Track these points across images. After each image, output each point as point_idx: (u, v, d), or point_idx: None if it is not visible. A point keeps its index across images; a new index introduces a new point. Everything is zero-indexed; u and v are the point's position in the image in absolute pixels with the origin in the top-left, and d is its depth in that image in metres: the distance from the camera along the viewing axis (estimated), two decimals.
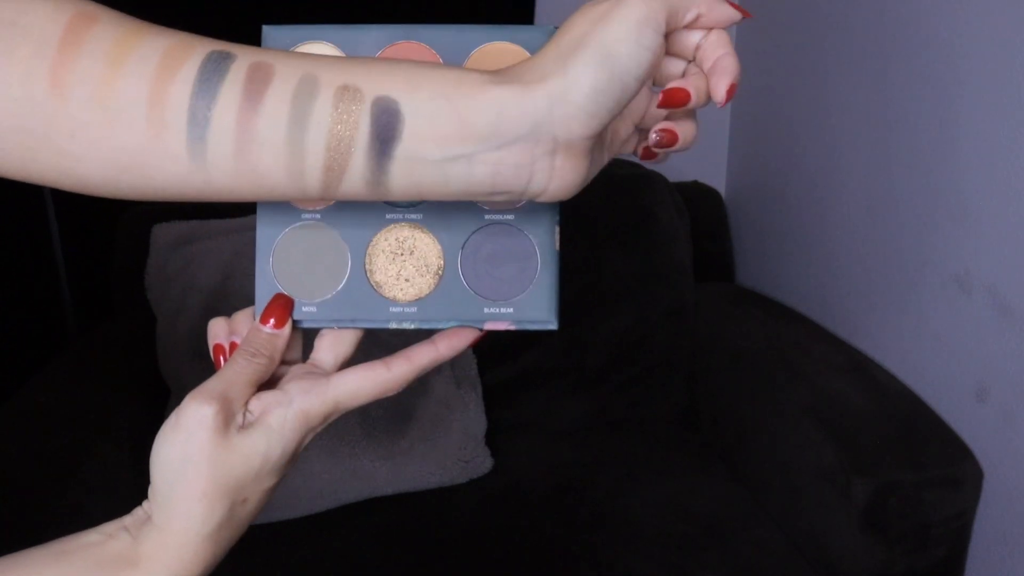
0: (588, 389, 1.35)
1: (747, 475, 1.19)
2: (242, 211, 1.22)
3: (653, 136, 0.38)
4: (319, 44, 0.40)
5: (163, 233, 1.23)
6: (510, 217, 0.41)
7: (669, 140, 0.38)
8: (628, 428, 1.34)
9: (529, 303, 0.41)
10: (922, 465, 0.95)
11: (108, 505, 1.01)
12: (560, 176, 0.34)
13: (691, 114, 0.39)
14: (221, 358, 0.42)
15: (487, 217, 0.41)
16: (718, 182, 1.58)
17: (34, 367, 1.17)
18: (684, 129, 0.38)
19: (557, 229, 0.41)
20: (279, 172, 0.33)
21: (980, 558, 0.99)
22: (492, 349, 1.29)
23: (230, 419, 0.37)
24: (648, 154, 0.40)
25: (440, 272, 0.41)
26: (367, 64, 0.34)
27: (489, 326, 0.41)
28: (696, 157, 1.56)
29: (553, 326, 0.42)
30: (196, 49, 0.33)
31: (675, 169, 1.50)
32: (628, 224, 1.34)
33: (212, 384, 0.38)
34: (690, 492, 1.17)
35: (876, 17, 1.12)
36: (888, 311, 1.14)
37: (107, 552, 0.36)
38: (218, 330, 0.42)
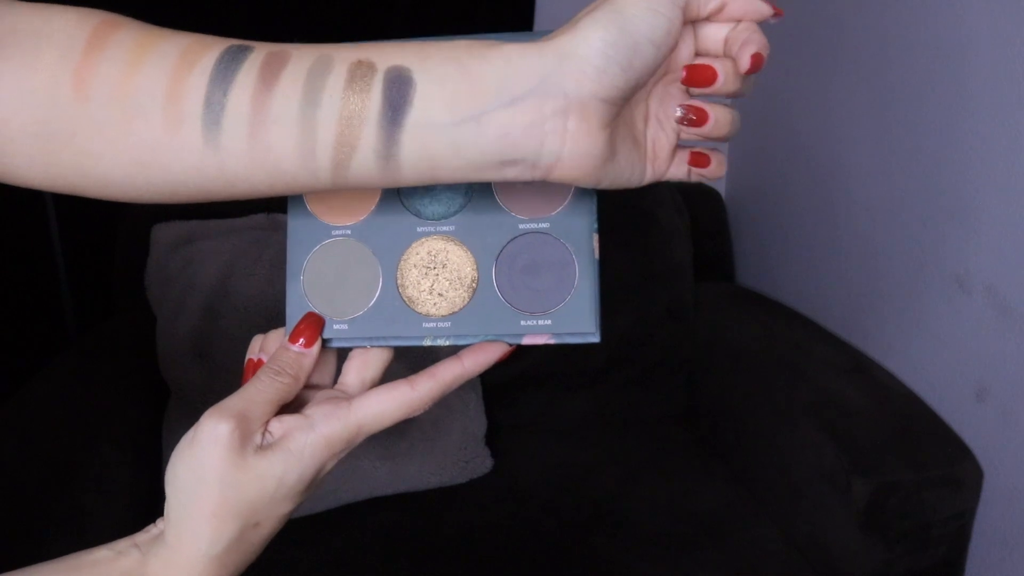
0: (588, 389, 1.35)
1: (747, 475, 1.19)
2: (242, 211, 1.22)
3: (677, 111, 0.36)
4: None
5: (163, 233, 1.23)
6: (545, 225, 0.40)
7: (698, 119, 0.36)
8: (628, 428, 1.34)
9: (568, 314, 0.39)
10: (922, 465, 0.95)
11: (108, 505, 1.01)
12: (574, 142, 0.32)
13: (729, 106, 0.37)
14: (251, 373, 0.41)
15: (522, 227, 0.40)
16: (718, 182, 1.58)
17: (34, 367, 1.17)
18: (718, 113, 0.36)
19: (596, 236, 0.40)
20: (290, 152, 0.33)
21: (980, 558, 0.99)
22: None
23: (247, 438, 0.36)
24: (699, 160, 0.38)
25: (474, 285, 0.40)
26: (381, 44, 0.34)
27: (528, 340, 0.39)
28: None
29: (595, 338, 0.39)
30: (216, 45, 0.34)
31: None
32: (628, 224, 1.34)
33: (231, 401, 0.37)
34: (690, 492, 1.17)
35: (877, 17, 1.12)
36: (888, 311, 1.14)
37: (116, 569, 0.36)
38: (254, 346, 0.42)
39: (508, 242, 0.40)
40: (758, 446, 1.16)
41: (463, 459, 1.19)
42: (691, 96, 0.37)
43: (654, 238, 1.35)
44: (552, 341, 0.39)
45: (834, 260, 1.26)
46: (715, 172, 0.38)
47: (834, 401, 1.06)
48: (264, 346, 0.41)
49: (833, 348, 1.18)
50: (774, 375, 1.16)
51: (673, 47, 0.34)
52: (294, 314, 0.41)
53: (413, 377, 0.39)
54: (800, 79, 1.32)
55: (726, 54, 0.35)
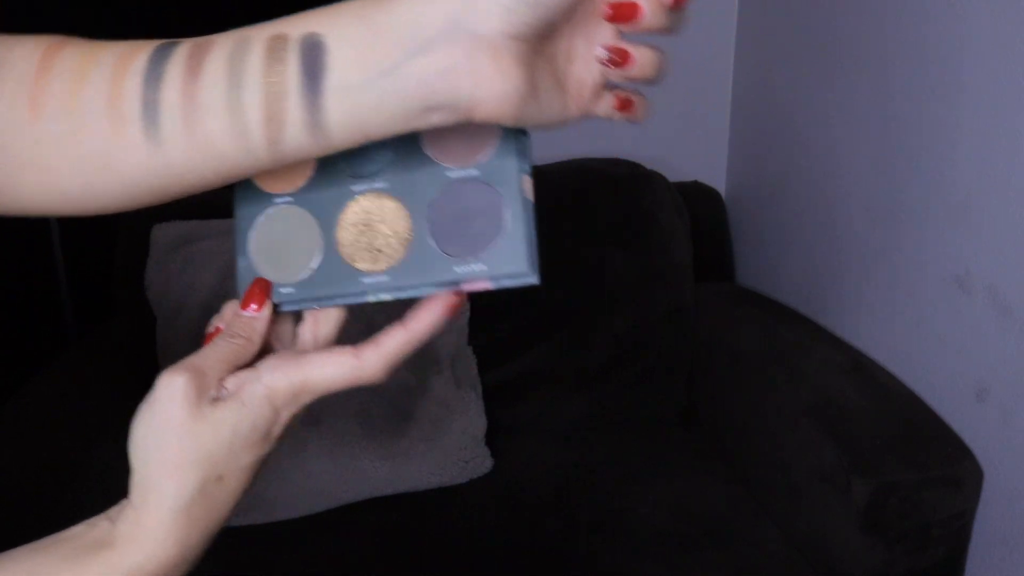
0: (588, 389, 1.35)
1: (747, 475, 1.19)
2: None
3: (600, 52, 0.36)
4: None
5: (163, 233, 1.23)
6: (475, 172, 0.39)
7: (621, 60, 0.36)
8: (628, 428, 1.34)
9: (501, 255, 0.39)
10: (922, 465, 0.95)
11: (108, 505, 1.01)
12: (489, 80, 0.32)
13: (655, 49, 0.37)
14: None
15: (451, 175, 0.40)
16: (718, 182, 1.58)
17: (34, 367, 1.17)
18: (642, 53, 0.36)
19: (526, 178, 0.39)
20: (225, 136, 0.34)
21: (980, 558, 0.99)
22: (492, 349, 1.29)
23: (203, 392, 0.37)
24: (624, 104, 0.38)
25: (409, 237, 0.40)
26: (300, 14, 0.34)
27: (467, 287, 0.39)
28: (696, 157, 1.57)
29: (533, 279, 0.39)
30: (147, 47, 0.35)
31: (675, 169, 1.50)
32: (628, 224, 1.34)
33: (186, 359, 0.38)
34: (690, 492, 1.17)
35: (876, 17, 1.12)
36: (888, 311, 1.14)
37: (86, 539, 0.37)
38: (212, 321, 0.43)
39: (438, 192, 0.40)
40: (758, 446, 1.16)
41: (463, 459, 1.19)
42: (620, 35, 0.37)
43: (654, 238, 1.35)
44: (491, 286, 0.39)
45: (834, 260, 1.26)
46: (639, 116, 0.39)
47: (834, 401, 1.06)
48: (223, 316, 0.43)
49: (833, 348, 1.18)
50: (774, 375, 1.16)
51: None
52: (244, 282, 0.42)
53: (359, 346, 0.39)
54: (800, 79, 1.32)
55: None
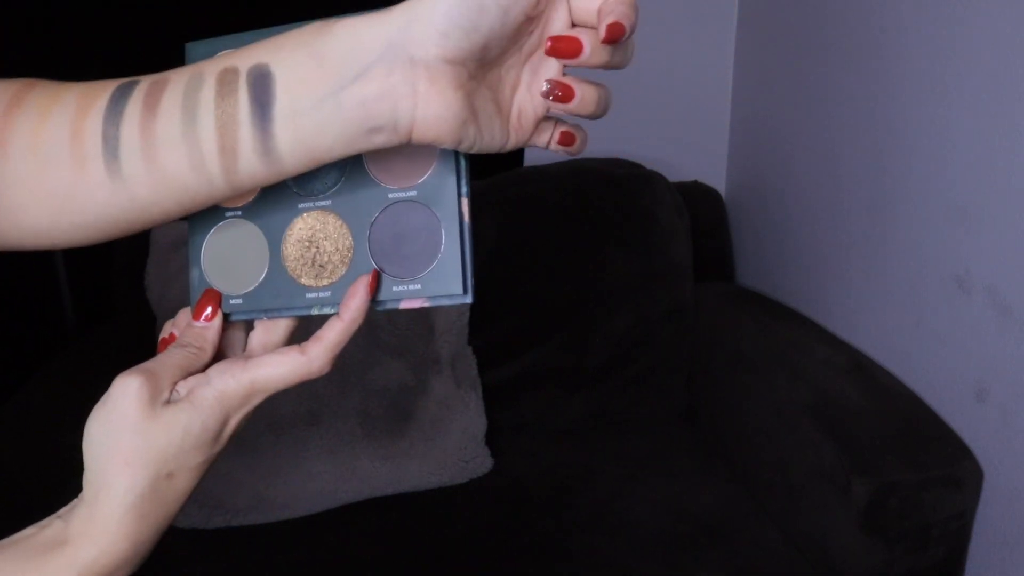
0: (588, 389, 1.35)
1: (747, 475, 1.19)
2: None
3: (544, 85, 0.37)
4: None
5: (163, 233, 1.23)
6: (412, 194, 0.41)
7: (563, 95, 0.36)
8: (628, 428, 1.34)
9: (436, 277, 0.41)
10: (922, 465, 0.95)
11: None
12: (425, 104, 0.33)
13: (597, 83, 0.37)
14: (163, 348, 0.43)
15: (391, 196, 0.41)
16: (718, 182, 1.58)
17: (34, 367, 1.17)
18: (584, 90, 0.36)
19: (464, 201, 0.41)
20: (184, 168, 0.35)
21: (980, 558, 0.99)
22: (492, 349, 1.29)
23: (156, 393, 0.38)
24: (565, 138, 0.39)
25: (350, 255, 0.42)
26: (249, 47, 0.36)
27: (405, 305, 0.41)
28: (696, 157, 1.57)
29: (467, 299, 0.41)
30: (109, 85, 0.36)
31: (675, 169, 1.50)
32: (628, 224, 1.34)
33: (141, 364, 0.40)
34: (690, 492, 1.17)
35: (876, 17, 1.12)
36: (888, 311, 1.14)
37: (39, 540, 0.37)
38: (166, 327, 0.44)
39: (379, 212, 0.42)
40: (758, 446, 1.16)
41: (463, 459, 1.19)
42: (565, 70, 0.37)
43: (654, 238, 1.35)
44: (428, 304, 0.41)
45: (834, 260, 1.26)
46: (577, 150, 0.40)
47: (834, 401, 1.06)
48: (176, 323, 0.44)
49: (833, 348, 1.18)
50: (774, 375, 1.16)
51: (526, 12, 0.34)
52: (196, 292, 0.44)
53: (304, 344, 0.41)
54: (799, 79, 1.32)
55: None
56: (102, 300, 1.37)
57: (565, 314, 1.32)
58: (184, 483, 0.39)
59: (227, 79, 0.34)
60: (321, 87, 0.33)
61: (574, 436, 1.32)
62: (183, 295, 1.17)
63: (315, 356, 0.40)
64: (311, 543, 1.08)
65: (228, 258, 0.44)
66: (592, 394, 1.35)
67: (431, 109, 0.34)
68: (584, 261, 1.33)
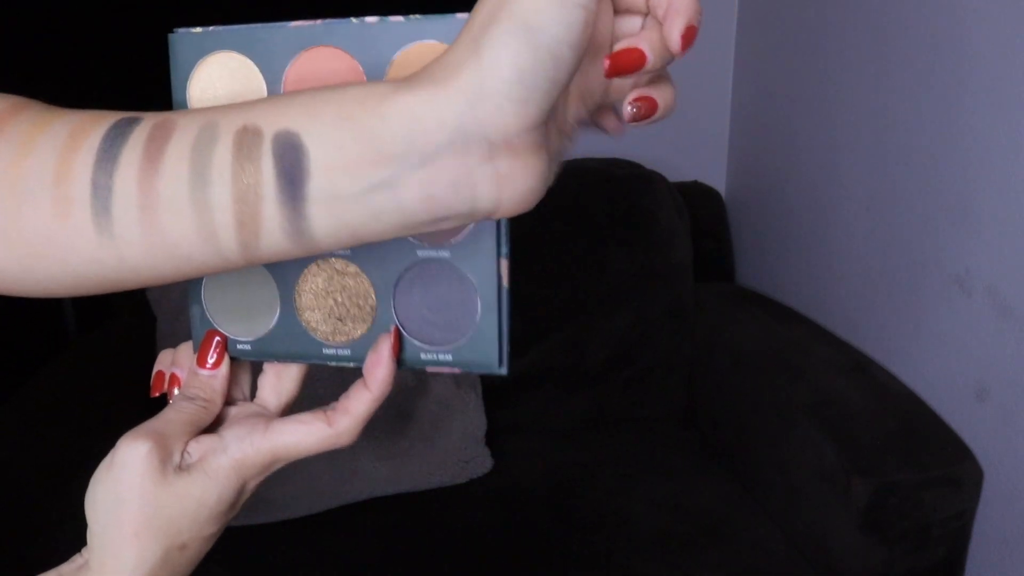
0: (588, 389, 1.35)
1: (747, 475, 1.19)
2: None
3: (629, 109, 0.32)
4: (227, 54, 0.36)
5: None
6: (445, 254, 0.36)
7: (648, 110, 0.32)
8: (628, 428, 1.34)
9: (470, 350, 0.36)
10: (922, 465, 0.95)
11: None
12: (511, 183, 0.28)
13: (665, 76, 0.33)
14: (160, 385, 0.41)
15: (420, 254, 0.36)
16: (718, 182, 1.58)
17: (34, 367, 1.17)
18: (662, 94, 0.32)
19: (504, 262, 0.36)
20: (190, 237, 0.29)
21: (980, 558, 0.99)
22: None
23: (166, 459, 0.35)
24: (647, 106, 0.33)
25: (373, 314, 0.38)
26: (270, 99, 0.30)
27: (432, 370, 0.38)
28: (696, 157, 1.57)
29: (502, 371, 0.37)
30: (106, 119, 0.31)
31: (675, 169, 1.50)
32: (628, 224, 1.34)
33: (148, 424, 0.36)
34: (690, 492, 1.17)
35: (876, 17, 1.12)
36: (888, 311, 1.14)
37: None
38: (164, 358, 0.41)
39: (406, 270, 0.37)
40: (758, 446, 1.16)
41: (463, 459, 1.19)
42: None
43: (654, 238, 1.35)
44: (458, 371, 0.37)
45: (834, 260, 1.26)
46: (663, 113, 0.34)
47: (834, 401, 1.06)
48: (176, 359, 0.41)
49: (833, 348, 1.18)
50: (774, 375, 1.16)
51: (590, 35, 0.28)
52: (198, 331, 0.40)
53: (331, 413, 0.37)
54: (800, 79, 1.32)
55: (651, 11, 0.31)
56: (102, 300, 1.37)
57: (565, 314, 1.32)
58: (197, 552, 0.37)
59: (247, 141, 0.28)
60: (371, 174, 0.28)
61: (574, 436, 1.32)
62: (183, 296, 1.17)
63: (344, 431, 0.37)
64: (311, 543, 1.08)
65: (233, 299, 0.39)
66: (592, 394, 1.35)
67: (518, 186, 0.29)
68: (584, 261, 1.33)
